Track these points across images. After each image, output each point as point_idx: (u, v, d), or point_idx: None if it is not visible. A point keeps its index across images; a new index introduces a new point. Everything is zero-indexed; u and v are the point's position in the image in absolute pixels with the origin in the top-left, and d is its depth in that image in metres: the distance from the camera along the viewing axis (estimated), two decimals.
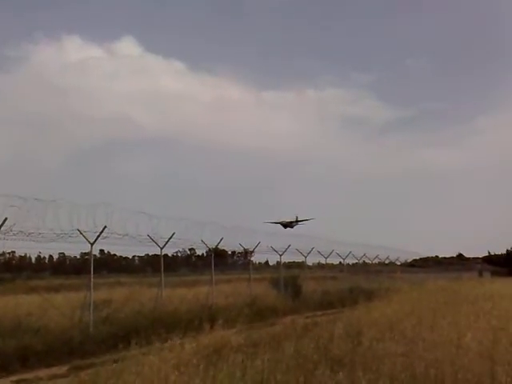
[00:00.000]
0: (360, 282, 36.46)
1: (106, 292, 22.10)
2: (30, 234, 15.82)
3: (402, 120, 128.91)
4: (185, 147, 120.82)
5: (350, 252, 39.17)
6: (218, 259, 28.55)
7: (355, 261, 42.94)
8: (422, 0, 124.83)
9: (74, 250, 22.37)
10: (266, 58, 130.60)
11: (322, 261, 37.70)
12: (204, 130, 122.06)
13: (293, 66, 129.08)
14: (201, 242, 23.23)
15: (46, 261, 51.35)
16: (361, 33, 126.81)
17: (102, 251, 38.30)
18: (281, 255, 29.82)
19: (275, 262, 33.18)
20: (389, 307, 16.51)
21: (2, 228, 14.52)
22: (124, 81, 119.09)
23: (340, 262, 41.27)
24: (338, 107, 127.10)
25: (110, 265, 50.03)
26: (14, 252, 39.04)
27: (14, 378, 11.86)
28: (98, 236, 17.38)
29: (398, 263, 56.09)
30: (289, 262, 35.78)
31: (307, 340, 11.14)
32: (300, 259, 33.08)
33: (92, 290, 17.27)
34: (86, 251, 19.66)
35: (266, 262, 44.59)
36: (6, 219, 14.42)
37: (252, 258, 29.83)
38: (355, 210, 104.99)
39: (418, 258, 74.30)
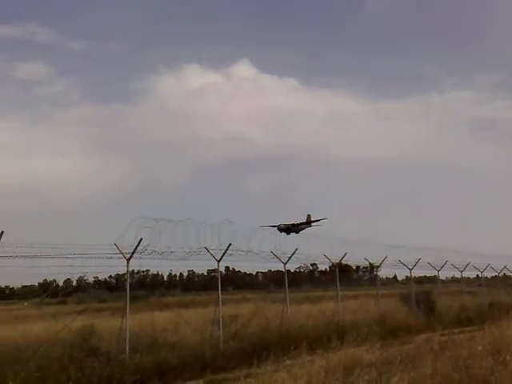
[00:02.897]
0: (500, 297, 33.34)
1: (232, 308, 22.51)
2: (162, 252, 16.68)
3: None
4: (301, 162, 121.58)
5: (489, 264, 36.01)
6: (343, 274, 27.83)
7: (494, 274, 39.40)
8: None
9: (202, 267, 23.24)
10: (382, 67, 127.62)
11: (457, 274, 35.16)
12: (320, 144, 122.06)
13: (411, 72, 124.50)
14: (323, 257, 22.85)
15: (177, 278, 54.21)
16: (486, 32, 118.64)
17: (227, 268, 39.48)
18: (411, 269, 28.32)
19: (404, 277, 31.60)
20: None
21: (138, 248, 15.48)
22: (240, 102, 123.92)
23: (477, 276, 38.17)
24: (465, 111, 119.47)
25: (235, 281, 51.33)
26: (148, 270, 41.76)
27: None
28: (224, 253, 17.87)
29: None
30: (419, 277, 33.89)
31: (445, 358, 10.26)
32: (431, 273, 31.16)
33: (220, 306, 17.67)
34: (213, 268, 20.25)
35: (395, 277, 42.65)
36: (141, 239, 15.39)
37: (379, 273, 28.64)
38: (495, 220, 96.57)
39: None
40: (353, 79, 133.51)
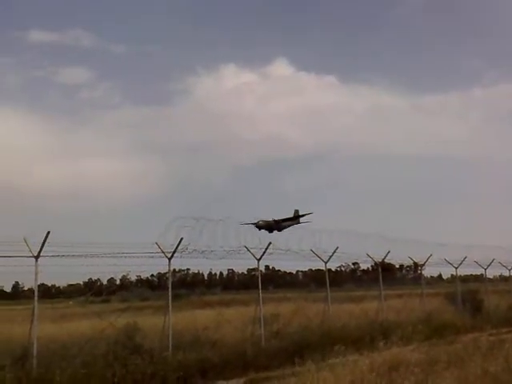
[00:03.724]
0: None
1: (273, 307, 22.44)
2: (202, 251, 16.77)
3: None
4: (341, 159, 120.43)
5: None
6: (385, 273, 27.28)
7: None
8: None
9: (242, 266, 23.25)
10: (422, 62, 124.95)
11: (505, 273, 33.88)
12: (359, 140, 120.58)
13: (451, 66, 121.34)
14: (366, 256, 22.46)
15: (217, 277, 54.57)
16: None
17: (267, 267, 39.39)
18: (456, 268, 27.50)
19: (449, 276, 30.68)
20: None
21: (179, 247, 15.62)
22: (278, 101, 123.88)
23: None
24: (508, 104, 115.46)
25: (275, 280, 51.24)
26: (188, 269, 42.18)
27: None
28: (264, 252, 17.83)
29: None
30: (465, 276, 32.81)
31: (494, 359, 9.88)
32: (478, 272, 30.15)
33: (261, 305, 17.63)
34: (253, 267, 20.24)
35: (440, 276, 41.49)
36: (181, 239, 15.54)
37: (423, 272, 27.90)
38: None
39: None
40: (392, 74, 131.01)
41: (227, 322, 17.72)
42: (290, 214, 32.24)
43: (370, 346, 13.15)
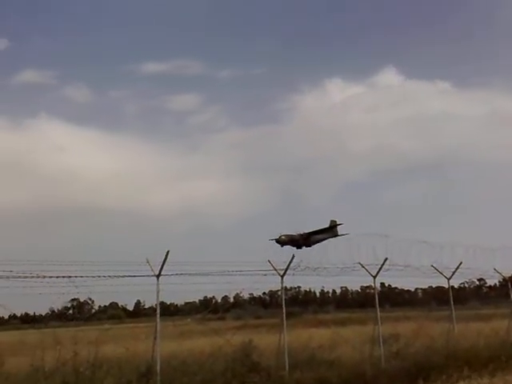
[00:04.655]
0: None
1: (391, 326, 21.42)
2: (315, 269, 16.46)
3: None
4: (458, 168, 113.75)
5: None
6: None
7: None
8: None
9: (355, 283, 22.50)
10: None
11: None
12: (476, 147, 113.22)
13: None
14: (492, 271, 20.66)
15: (330, 295, 53.65)
16: None
17: (382, 284, 37.87)
18: None
19: None
20: None
21: (291, 264, 15.46)
22: (387, 111, 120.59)
23: None
24: None
25: (391, 298, 49.20)
26: (299, 287, 41.95)
27: None
28: (380, 268, 17.10)
29: None
30: None
31: None
32: None
33: (380, 324, 16.89)
34: (366, 284, 19.50)
35: None
36: (293, 256, 15.45)
37: None
38: None
39: None
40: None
41: (344, 341, 17.17)
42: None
43: (505, 367, 11.92)
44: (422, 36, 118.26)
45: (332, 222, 27.78)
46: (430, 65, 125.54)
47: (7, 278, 11.41)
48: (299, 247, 25.78)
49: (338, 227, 27.41)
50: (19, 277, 11.54)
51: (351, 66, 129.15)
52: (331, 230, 27.09)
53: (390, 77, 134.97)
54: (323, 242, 25.42)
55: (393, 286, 40.60)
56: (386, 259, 16.90)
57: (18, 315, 52.73)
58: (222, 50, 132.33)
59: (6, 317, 46.76)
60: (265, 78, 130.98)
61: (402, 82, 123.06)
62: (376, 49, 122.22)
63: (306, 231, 26.60)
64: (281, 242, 25.59)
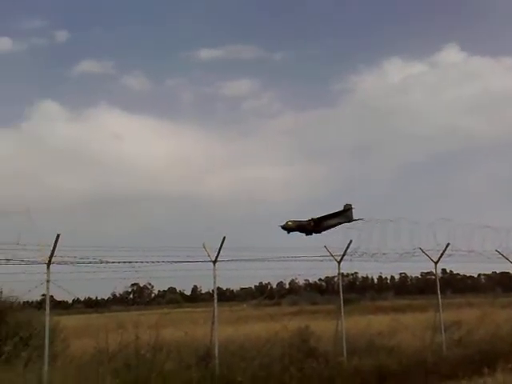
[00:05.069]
0: None
1: (453, 313, 20.78)
2: (373, 254, 16.09)
3: None
4: None
5: None
6: None
7: None
8: None
9: (414, 269, 21.88)
10: None
11: None
12: None
13: None
14: None
15: (388, 281, 52.65)
16: None
17: (443, 270, 36.68)
18: None
19: None
20: None
21: (348, 250, 15.19)
22: (450, 91, 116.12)
23: None
24: None
25: (453, 284, 47.70)
26: (356, 273, 41.36)
27: None
28: (442, 254, 16.55)
29: None
30: None
31: None
32: None
33: (441, 311, 16.40)
34: (426, 270, 18.91)
35: None
36: (351, 241, 15.10)
37: None
38: None
39: None
40: None
41: (404, 328, 16.79)
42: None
43: None
44: (484, 10, 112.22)
45: (346, 205, 26.14)
46: (492, 41, 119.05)
47: (71, 263, 11.83)
48: (308, 233, 24.86)
49: (353, 211, 25.80)
50: (83, 262, 11.91)
51: (410, 45, 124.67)
52: (345, 215, 25.47)
53: (452, 54, 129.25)
54: (336, 228, 24.40)
55: (454, 271, 39.33)
56: (448, 244, 16.29)
57: (82, 299, 55.29)
58: (276, 32, 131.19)
59: (70, 301, 49.03)
60: (320, 59, 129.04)
61: (465, 59, 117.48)
62: (437, 26, 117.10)
63: (315, 217, 25.29)
64: (287, 228, 24.47)
